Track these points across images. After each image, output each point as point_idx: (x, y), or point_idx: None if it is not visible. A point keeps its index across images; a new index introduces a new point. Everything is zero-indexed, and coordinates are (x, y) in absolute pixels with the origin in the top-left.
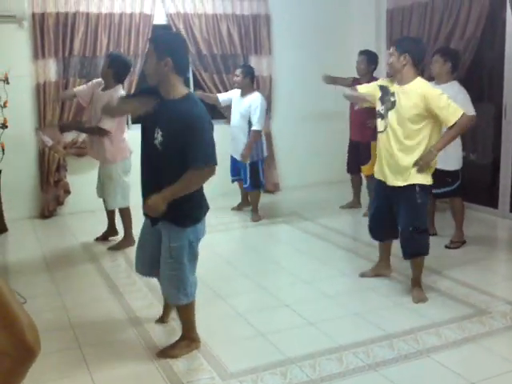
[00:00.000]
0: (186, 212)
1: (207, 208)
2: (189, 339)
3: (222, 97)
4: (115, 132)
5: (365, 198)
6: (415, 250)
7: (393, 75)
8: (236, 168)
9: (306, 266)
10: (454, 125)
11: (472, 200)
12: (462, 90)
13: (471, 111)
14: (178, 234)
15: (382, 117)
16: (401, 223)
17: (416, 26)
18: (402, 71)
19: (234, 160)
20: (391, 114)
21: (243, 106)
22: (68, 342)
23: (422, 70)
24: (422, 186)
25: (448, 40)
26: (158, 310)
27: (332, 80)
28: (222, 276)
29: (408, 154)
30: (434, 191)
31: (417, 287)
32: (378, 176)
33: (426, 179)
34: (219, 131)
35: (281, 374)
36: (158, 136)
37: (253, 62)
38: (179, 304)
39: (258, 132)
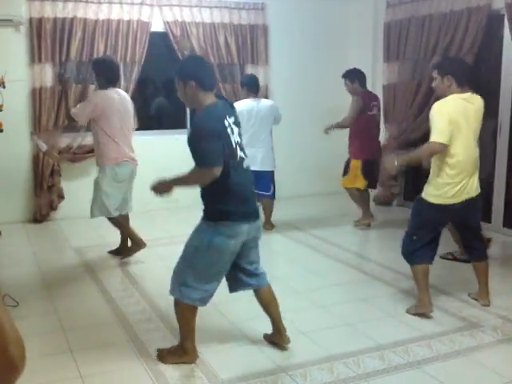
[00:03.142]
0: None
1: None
2: (182, 349)
3: None
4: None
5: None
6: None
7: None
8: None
9: (299, 275)
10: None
11: None
12: None
13: None
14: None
15: None
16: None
17: (413, 39)
18: (447, 93)
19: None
20: None
21: None
22: (59, 345)
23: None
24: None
25: (445, 54)
26: (150, 315)
27: (332, 127)
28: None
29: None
30: None
31: None
32: None
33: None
34: None
35: (272, 383)
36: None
37: (249, 71)
38: (171, 294)
39: None
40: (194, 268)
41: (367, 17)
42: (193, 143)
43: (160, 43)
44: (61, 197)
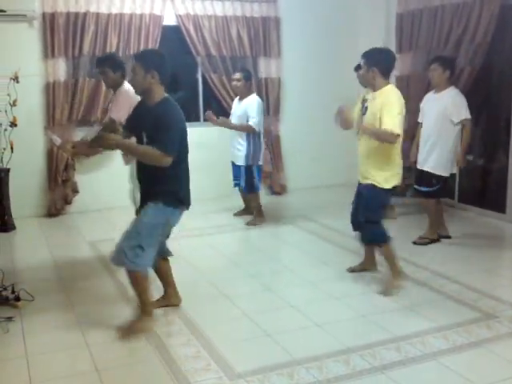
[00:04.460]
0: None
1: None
2: (144, 313)
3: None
4: None
5: None
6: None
7: (366, 85)
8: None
9: (313, 267)
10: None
11: (480, 205)
12: (459, 94)
13: (467, 115)
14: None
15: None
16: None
17: (425, 30)
18: (374, 82)
19: (232, 164)
20: (364, 120)
21: (240, 108)
22: (75, 339)
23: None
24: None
25: (458, 44)
26: (166, 308)
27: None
28: (228, 277)
29: (369, 157)
30: (417, 188)
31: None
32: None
33: (384, 183)
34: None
35: (287, 375)
36: (144, 138)
37: (262, 64)
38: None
39: (251, 127)
40: (151, 237)
41: (379, 8)
42: (161, 129)
43: (172, 37)
44: (75, 191)
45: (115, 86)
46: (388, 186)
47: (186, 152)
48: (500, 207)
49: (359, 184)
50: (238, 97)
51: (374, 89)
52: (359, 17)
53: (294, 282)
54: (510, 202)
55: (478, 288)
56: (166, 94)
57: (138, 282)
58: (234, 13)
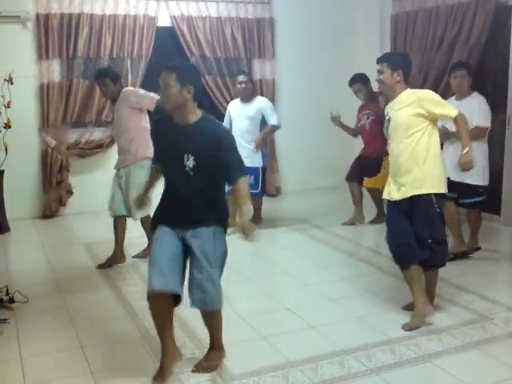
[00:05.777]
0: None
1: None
2: (220, 348)
3: (227, 121)
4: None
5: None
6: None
7: (383, 92)
8: None
9: (308, 269)
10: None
11: None
12: (485, 102)
13: (486, 124)
14: (222, 236)
15: (388, 138)
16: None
17: (420, 31)
18: (396, 87)
19: None
20: (390, 130)
21: (252, 109)
22: (69, 341)
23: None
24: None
25: (452, 46)
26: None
27: (339, 124)
28: (224, 279)
29: (414, 163)
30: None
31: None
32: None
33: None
34: None
35: (283, 377)
36: (190, 162)
37: (256, 65)
38: (217, 308)
39: (276, 127)
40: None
41: (374, 9)
42: (233, 153)
43: (167, 38)
44: (69, 192)
45: (114, 97)
46: (441, 189)
47: None
48: (494, 209)
49: (396, 202)
50: (237, 99)
51: (394, 95)
52: (354, 18)
53: (290, 284)
54: (505, 205)
55: (473, 290)
56: (202, 111)
57: (218, 319)
58: (229, 14)
